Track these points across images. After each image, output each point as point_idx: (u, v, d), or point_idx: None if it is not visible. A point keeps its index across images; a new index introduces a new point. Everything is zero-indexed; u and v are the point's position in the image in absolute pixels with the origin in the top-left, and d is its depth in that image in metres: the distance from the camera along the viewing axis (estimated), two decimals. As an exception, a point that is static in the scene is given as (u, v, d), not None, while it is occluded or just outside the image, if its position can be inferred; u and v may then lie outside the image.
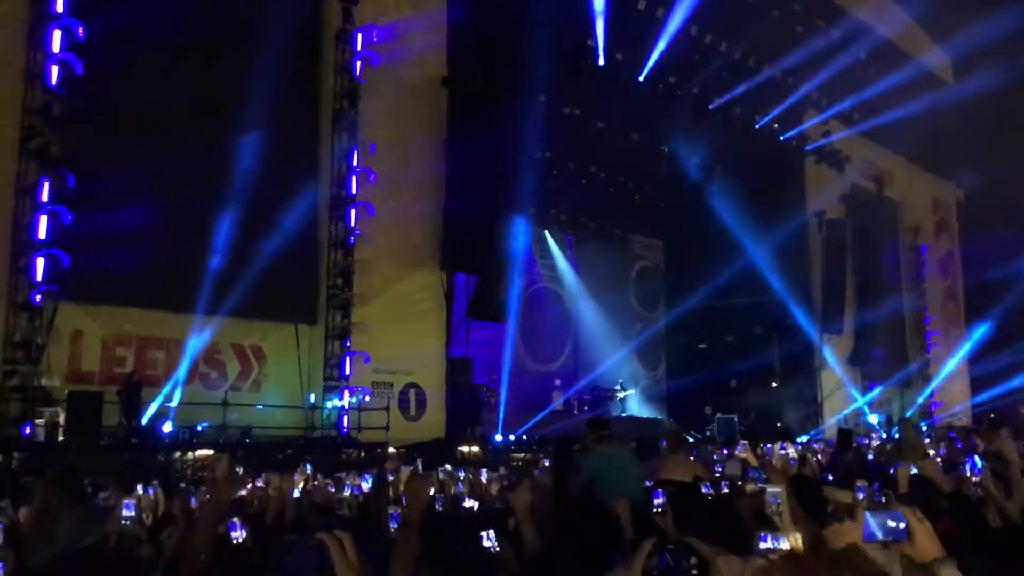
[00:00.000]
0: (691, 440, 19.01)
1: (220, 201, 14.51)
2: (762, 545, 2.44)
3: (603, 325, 25.59)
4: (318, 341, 16.77)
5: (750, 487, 4.50)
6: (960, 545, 3.23)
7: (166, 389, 14.45)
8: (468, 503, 6.67)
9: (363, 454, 15.07)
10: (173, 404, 14.38)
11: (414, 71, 18.11)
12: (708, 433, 22.87)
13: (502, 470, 11.33)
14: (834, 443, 16.84)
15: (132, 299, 14.37)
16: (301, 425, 16.30)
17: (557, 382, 23.63)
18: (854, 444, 15.96)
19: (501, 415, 19.21)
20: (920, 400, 29.92)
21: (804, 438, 20.34)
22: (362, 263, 16.83)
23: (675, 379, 27.59)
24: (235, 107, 14.94)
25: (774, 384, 25.14)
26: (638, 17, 20.39)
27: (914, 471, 4.88)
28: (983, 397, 30.28)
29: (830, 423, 24.79)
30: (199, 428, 14.35)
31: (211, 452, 13.25)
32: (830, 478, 9.50)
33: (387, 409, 16.51)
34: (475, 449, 16.88)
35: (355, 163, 16.94)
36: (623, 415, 23.60)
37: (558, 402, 22.73)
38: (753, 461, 7.19)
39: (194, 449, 13.65)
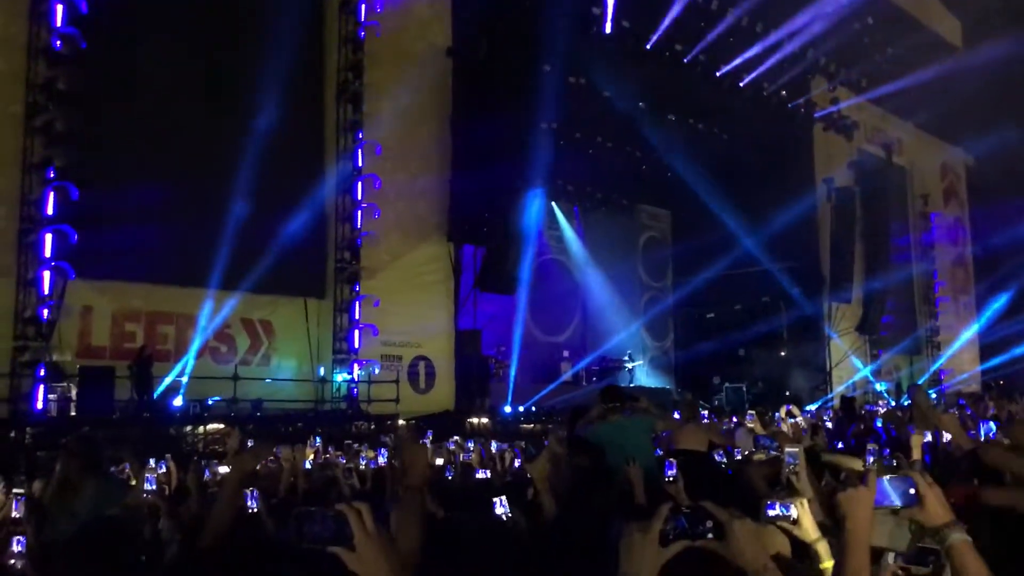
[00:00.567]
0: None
1: (227, 175, 14.45)
2: (770, 512, 2.42)
3: (611, 296, 25.54)
4: (327, 314, 16.84)
5: (759, 456, 4.48)
6: (979, 508, 3.23)
7: (179, 365, 14.55)
8: (480, 474, 6.69)
9: (373, 426, 15.16)
10: (184, 379, 14.48)
11: (419, 41, 17.96)
12: (716, 403, 22.89)
13: (521, 444, 11.29)
14: (833, 411, 16.83)
15: (141, 274, 14.41)
16: (311, 398, 16.40)
17: (566, 353, 23.63)
18: (861, 411, 15.98)
19: (511, 387, 19.24)
20: (933, 368, 29.88)
21: (813, 406, 20.31)
22: (370, 236, 16.82)
23: (683, 349, 27.58)
24: (240, 80, 14.91)
25: (782, 353, 25.10)
26: (644, -17, 20.16)
27: (928, 438, 4.88)
28: (992, 363, 30.26)
29: (839, 390, 24.78)
30: (210, 402, 14.45)
31: (222, 426, 13.35)
32: (839, 445, 9.53)
33: (396, 381, 16.56)
34: (484, 421, 16.93)
35: (361, 135, 16.88)
36: (631, 385, 23.62)
37: (567, 374, 22.74)
38: (760, 431, 7.21)
39: (205, 423, 13.77)
